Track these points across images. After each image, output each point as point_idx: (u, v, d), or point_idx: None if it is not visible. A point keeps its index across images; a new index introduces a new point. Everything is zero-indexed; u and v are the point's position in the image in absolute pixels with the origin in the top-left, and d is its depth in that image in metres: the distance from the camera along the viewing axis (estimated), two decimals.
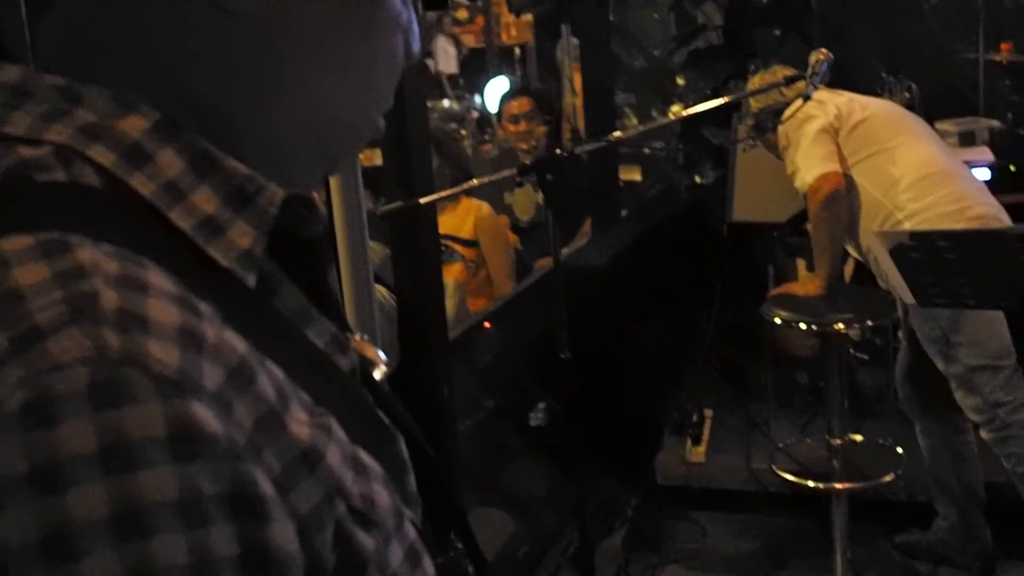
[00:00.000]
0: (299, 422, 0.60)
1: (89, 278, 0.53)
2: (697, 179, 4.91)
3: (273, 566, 0.54)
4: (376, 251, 3.28)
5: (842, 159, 3.23)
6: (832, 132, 3.25)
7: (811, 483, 3.48)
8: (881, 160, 3.21)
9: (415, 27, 0.76)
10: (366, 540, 0.62)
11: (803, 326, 3.41)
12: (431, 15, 6.29)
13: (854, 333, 3.95)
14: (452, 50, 7.12)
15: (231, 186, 0.64)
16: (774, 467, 3.65)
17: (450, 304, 3.41)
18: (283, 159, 0.69)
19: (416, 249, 2.84)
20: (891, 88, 4.34)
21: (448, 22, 7.02)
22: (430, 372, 3.02)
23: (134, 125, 0.62)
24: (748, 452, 3.91)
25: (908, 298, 2.54)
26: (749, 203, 4.30)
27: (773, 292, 3.50)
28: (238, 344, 0.58)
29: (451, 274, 3.96)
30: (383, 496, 0.65)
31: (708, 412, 4.11)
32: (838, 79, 3.84)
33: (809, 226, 3.34)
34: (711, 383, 4.34)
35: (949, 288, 2.43)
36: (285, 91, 0.68)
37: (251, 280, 0.63)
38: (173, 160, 0.63)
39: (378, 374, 0.77)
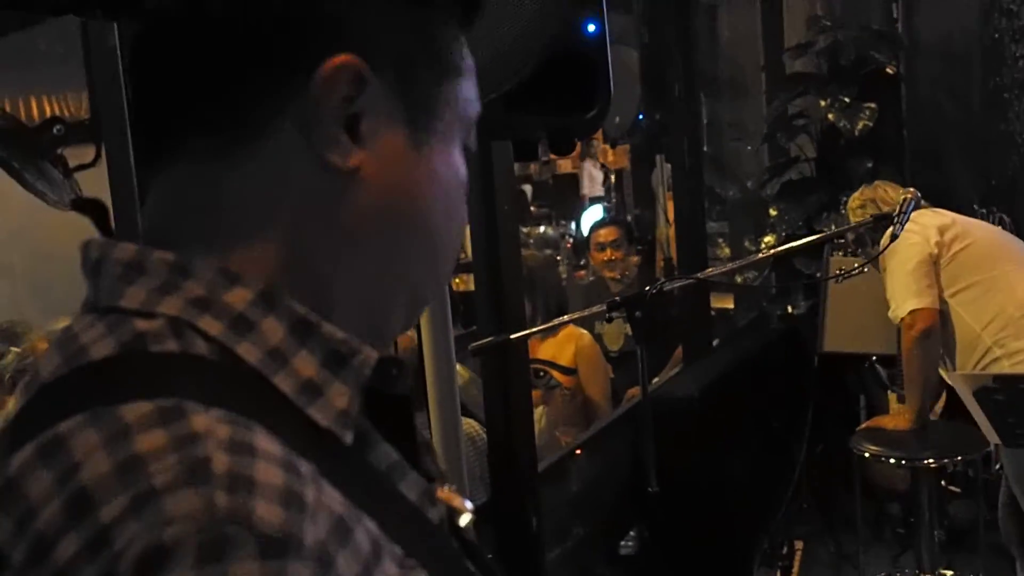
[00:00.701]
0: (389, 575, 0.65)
1: (202, 443, 0.58)
2: (789, 309, 4.94)
3: None
4: (463, 375, 3.37)
5: (940, 288, 3.17)
6: (930, 262, 3.18)
7: None
8: (981, 291, 3.12)
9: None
10: None
11: (892, 460, 3.41)
12: None
13: (946, 467, 3.92)
14: (598, 174, 7.24)
15: (328, 350, 0.70)
16: None
17: (539, 436, 3.46)
18: (376, 314, 0.75)
19: (507, 383, 2.91)
20: (983, 216, 4.35)
21: (596, 146, 7.12)
22: (520, 504, 3.06)
23: (240, 297, 0.68)
24: None
25: (994, 438, 2.55)
26: (841, 334, 4.32)
27: (863, 425, 3.49)
28: (336, 502, 0.63)
29: (550, 400, 4.02)
30: None
31: (798, 544, 4.08)
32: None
33: (901, 359, 3.32)
34: (802, 514, 4.31)
35: None
36: (390, 249, 0.74)
37: (348, 438, 0.69)
38: (276, 327, 0.68)
39: (464, 521, 0.81)
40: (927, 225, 3.22)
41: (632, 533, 3.95)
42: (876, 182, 3.62)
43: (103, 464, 0.57)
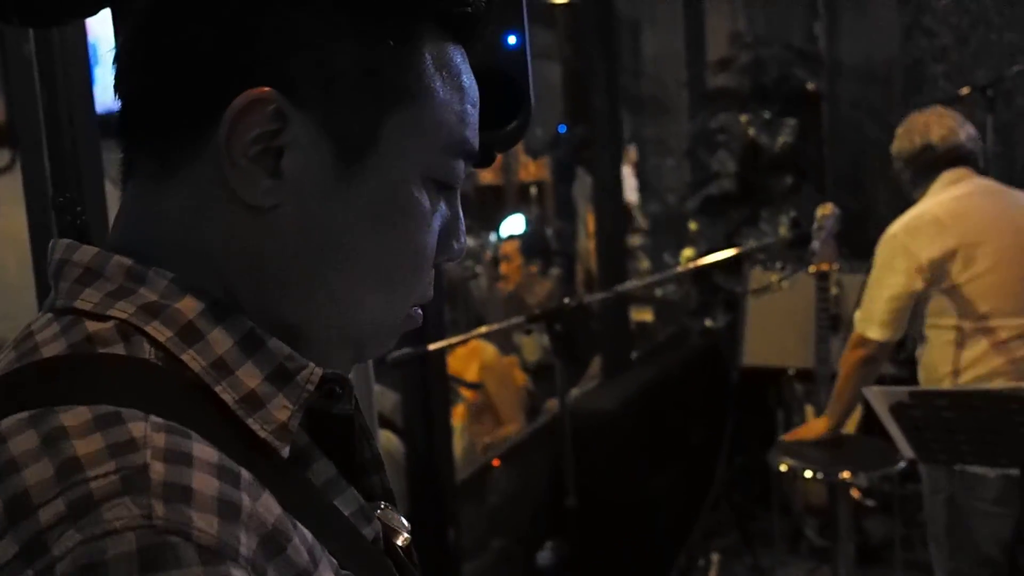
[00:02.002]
0: None
1: (140, 451, 0.59)
2: (708, 323, 4.96)
3: None
4: (387, 396, 3.33)
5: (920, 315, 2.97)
6: (914, 297, 2.92)
7: None
8: (960, 337, 2.89)
9: (459, 226, 0.80)
10: None
11: (809, 474, 3.43)
12: None
13: (862, 480, 3.95)
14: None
15: (274, 363, 0.70)
16: None
17: (458, 447, 3.44)
18: (314, 350, 0.73)
19: (426, 394, 2.89)
20: None
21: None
22: (438, 515, 3.04)
23: (190, 307, 0.69)
24: None
25: (908, 453, 2.57)
26: (760, 348, 4.35)
27: (782, 438, 3.50)
28: (272, 509, 0.63)
29: (455, 416, 3.99)
30: None
31: (715, 557, 4.09)
32: (852, 229, 3.92)
33: (838, 366, 3.22)
34: (720, 528, 4.33)
35: (949, 445, 2.45)
36: (313, 285, 0.73)
37: (285, 451, 0.69)
38: (223, 338, 0.69)
39: (400, 541, 0.81)
40: (919, 253, 2.91)
41: (549, 545, 3.93)
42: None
43: (40, 466, 0.58)
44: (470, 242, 4.41)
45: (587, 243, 5.38)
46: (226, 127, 0.68)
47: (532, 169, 7.11)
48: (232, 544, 0.58)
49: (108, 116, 1.72)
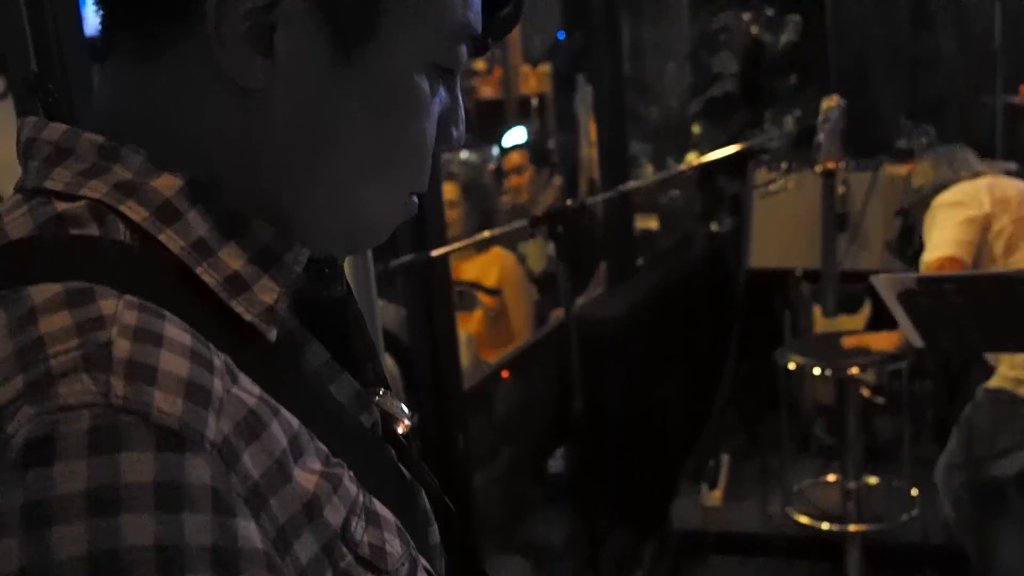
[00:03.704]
0: (309, 471, 0.62)
1: (107, 328, 0.56)
2: (714, 227, 4.93)
3: None
4: (391, 311, 3.32)
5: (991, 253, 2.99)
6: (982, 223, 2.99)
7: (826, 526, 3.48)
8: None
9: (459, 112, 0.77)
10: None
11: (817, 371, 3.42)
12: None
13: (870, 377, 3.95)
14: None
15: (258, 246, 0.67)
16: (789, 511, 3.65)
17: (464, 358, 3.44)
18: (304, 233, 0.70)
19: (430, 301, 2.87)
20: (909, 133, 4.36)
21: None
22: (446, 423, 3.03)
23: (167, 184, 0.65)
24: (764, 496, 3.91)
25: (917, 342, 2.55)
26: (766, 250, 4.33)
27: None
28: (250, 395, 0.60)
29: (471, 321, 3.99)
30: (394, 545, 0.68)
31: (725, 458, 4.11)
32: (858, 127, 3.87)
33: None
34: (728, 430, 4.34)
35: (957, 333, 2.44)
36: (304, 172, 0.70)
37: (272, 335, 0.66)
38: (203, 218, 0.66)
39: (401, 429, 0.79)
40: (978, 188, 3.06)
41: (559, 452, 3.95)
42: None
43: (5, 345, 0.56)
44: (472, 157, 4.35)
45: (589, 152, 5.32)
46: (216, 1, 0.65)
47: (532, 82, 7.04)
48: (197, 428, 0.56)
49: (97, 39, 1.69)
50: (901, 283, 2.39)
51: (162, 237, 0.64)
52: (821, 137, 3.15)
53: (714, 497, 3.99)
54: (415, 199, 0.76)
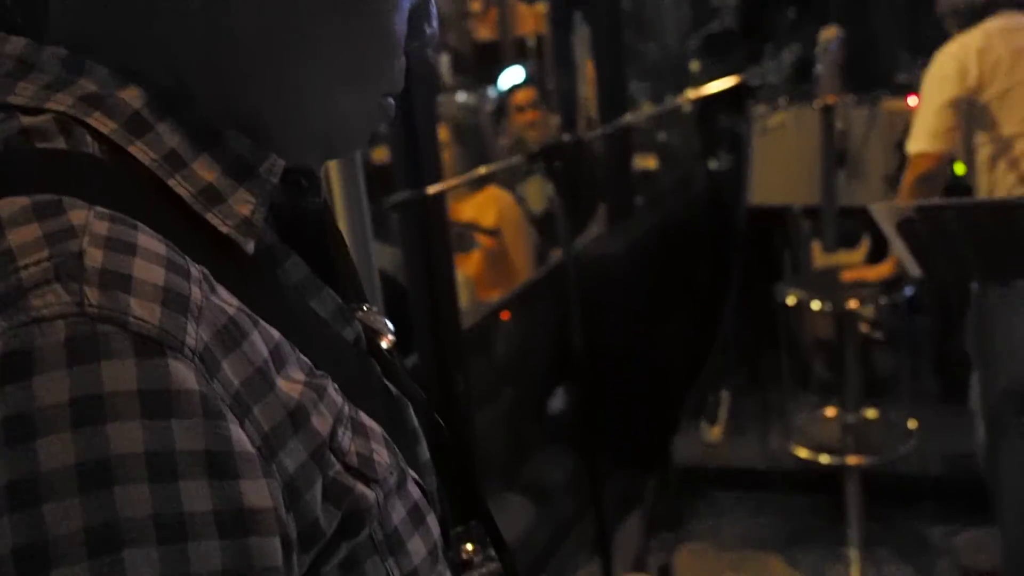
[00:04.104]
0: (292, 381, 0.61)
1: (78, 238, 0.55)
2: (712, 165, 4.90)
3: (247, 523, 0.55)
4: (386, 252, 3.31)
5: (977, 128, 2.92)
6: (964, 102, 2.89)
7: (825, 459, 3.50)
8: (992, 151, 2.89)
9: (430, 7, 0.75)
10: (365, 493, 0.64)
11: (816, 306, 3.43)
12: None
13: (869, 312, 3.95)
14: None
15: (232, 156, 0.65)
16: (789, 445, 3.66)
17: (463, 298, 3.43)
18: (278, 141, 0.69)
19: (427, 240, 2.85)
20: (908, 67, 4.33)
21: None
22: (445, 364, 3.03)
23: (135, 95, 0.63)
24: (764, 432, 3.93)
25: (915, 271, 2.54)
26: (766, 186, 4.32)
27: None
28: (229, 304, 0.59)
29: (469, 262, 3.98)
30: (383, 455, 0.67)
31: (725, 395, 4.12)
32: (858, 62, 3.84)
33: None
34: (729, 367, 4.35)
35: (956, 261, 2.42)
36: (274, 75, 0.68)
37: (249, 247, 0.64)
38: (174, 130, 0.64)
39: (385, 344, 0.78)
40: (968, 54, 2.90)
41: (559, 392, 3.96)
42: None
43: None
44: (469, 99, 4.30)
45: (587, 91, 5.28)
46: None
47: (529, 22, 6.98)
48: (176, 335, 0.54)
49: None
50: (900, 211, 2.37)
51: (132, 149, 0.62)
52: (819, 68, 3.12)
53: (714, 433, 4.01)
54: (391, 101, 0.75)
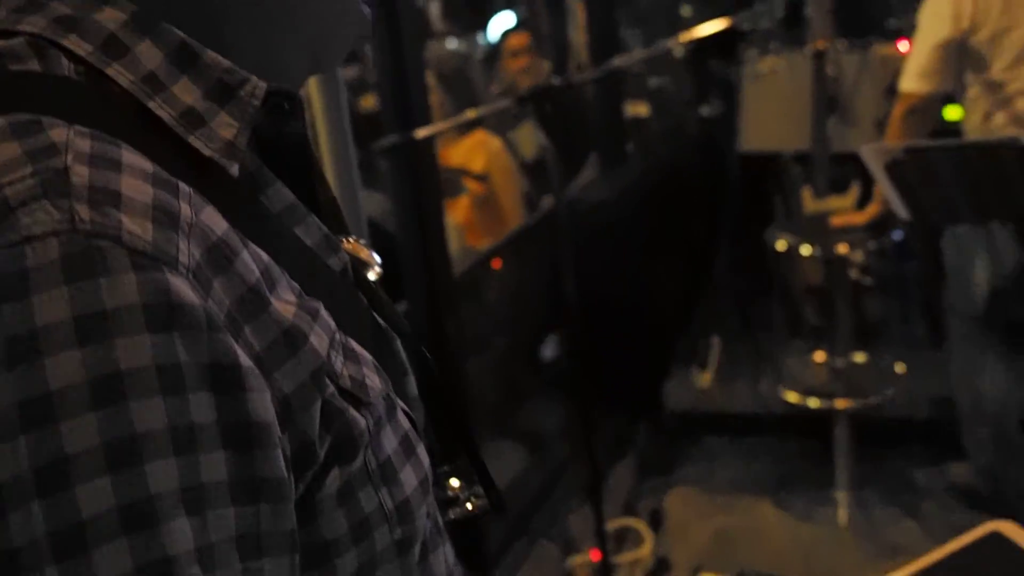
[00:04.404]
0: (284, 303, 0.61)
1: (61, 155, 0.54)
2: (704, 112, 4.89)
3: (251, 435, 0.55)
4: (375, 199, 3.30)
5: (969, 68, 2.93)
6: (956, 43, 2.88)
7: (814, 403, 3.52)
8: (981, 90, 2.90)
9: None
10: (358, 418, 0.64)
11: (806, 250, 3.43)
12: None
13: (858, 258, 3.95)
14: None
15: (212, 79, 0.64)
16: (779, 390, 3.69)
17: (452, 244, 3.43)
18: (259, 60, 0.68)
19: (416, 184, 2.85)
20: (900, 12, 4.30)
21: None
22: (436, 310, 3.03)
23: (111, 17, 0.62)
24: (755, 377, 3.95)
25: (903, 214, 2.54)
26: (757, 134, 4.31)
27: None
28: (218, 223, 0.58)
29: (458, 208, 3.97)
30: (374, 380, 0.67)
31: (716, 340, 4.13)
32: (850, 7, 3.81)
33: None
34: (720, 313, 4.36)
35: (943, 203, 2.43)
36: None
37: (234, 169, 0.63)
38: (152, 52, 0.62)
39: (372, 275, 0.78)
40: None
41: (551, 339, 3.97)
42: None
43: None
44: (460, 45, 4.26)
45: (578, 36, 5.25)
46: None
47: None
48: (169, 251, 0.54)
49: None
50: (889, 152, 2.37)
51: (110, 71, 0.61)
52: (810, 10, 3.10)
53: (705, 379, 4.03)
54: (365, 8, 0.74)
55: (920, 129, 2.95)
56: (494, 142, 4.02)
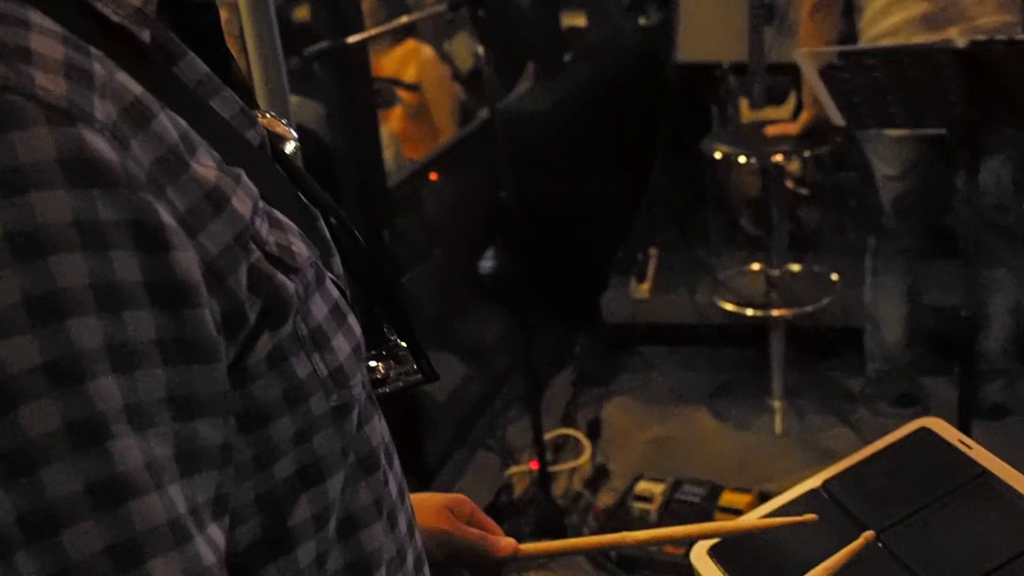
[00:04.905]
0: (205, 166, 0.59)
1: None
2: (642, 22, 4.84)
3: (178, 294, 0.54)
4: (309, 106, 3.24)
5: None
6: None
7: (750, 312, 3.56)
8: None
9: None
10: (286, 282, 0.62)
11: (743, 160, 3.43)
12: None
13: (794, 168, 3.98)
14: None
15: None
16: (716, 300, 3.71)
17: (387, 155, 3.39)
18: None
19: (349, 92, 2.80)
20: None
21: None
22: (373, 220, 3.01)
23: None
24: (692, 287, 3.98)
25: (838, 120, 2.54)
26: (694, 44, 4.29)
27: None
28: (133, 86, 0.56)
29: (392, 118, 3.92)
30: (301, 248, 0.65)
31: (653, 251, 4.14)
32: None
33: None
34: (657, 224, 4.37)
35: (878, 108, 2.42)
36: None
37: (146, 35, 0.61)
38: None
39: (289, 148, 0.76)
40: None
41: (490, 252, 3.96)
42: None
43: None
44: None
45: None
46: None
47: None
48: (84, 107, 0.52)
49: None
50: (823, 56, 2.36)
51: None
52: None
53: (642, 290, 4.05)
54: None
55: (831, 26, 3.01)
56: (426, 50, 3.97)
